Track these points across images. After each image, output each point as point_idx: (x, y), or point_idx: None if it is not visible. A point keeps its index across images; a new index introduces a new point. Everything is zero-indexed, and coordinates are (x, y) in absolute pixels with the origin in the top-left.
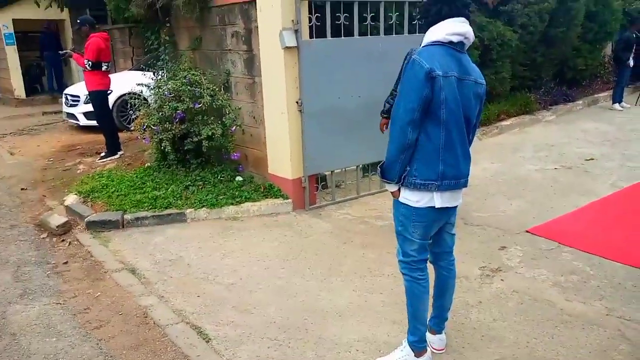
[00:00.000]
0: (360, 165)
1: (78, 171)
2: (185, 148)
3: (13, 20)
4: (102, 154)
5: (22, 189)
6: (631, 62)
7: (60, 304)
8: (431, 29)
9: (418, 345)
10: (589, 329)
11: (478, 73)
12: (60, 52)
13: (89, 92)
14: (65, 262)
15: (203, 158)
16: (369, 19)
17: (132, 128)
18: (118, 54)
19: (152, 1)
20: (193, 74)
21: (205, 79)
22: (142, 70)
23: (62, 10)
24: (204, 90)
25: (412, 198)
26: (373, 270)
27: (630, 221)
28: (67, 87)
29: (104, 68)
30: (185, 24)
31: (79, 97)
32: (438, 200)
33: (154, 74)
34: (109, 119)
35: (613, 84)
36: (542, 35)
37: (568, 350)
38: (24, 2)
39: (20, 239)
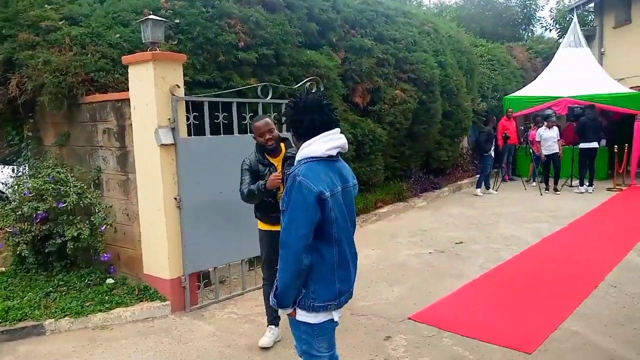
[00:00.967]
0: (246, 259)
1: None
2: (47, 250)
3: None
4: None
5: None
6: (492, 153)
7: None
8: (309, 142)
9: None
10: None
11: (351, 173)
12: None
13: None
14: None
15: (68, 260)
16: (247, 117)
17: None
18: None
19: (13, 95)
20: (58, 172)
21: (72, 177)
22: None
23: None
24: (69, 188)
25: (310, 317)
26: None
27: (499, 303)
28: None
29: None
30: (52, 119)
31: None
32: (336, 314)
33: (13, 171)
34: None
35: (472, 172)
36: (407, 131)
37: None
38: None
39: None
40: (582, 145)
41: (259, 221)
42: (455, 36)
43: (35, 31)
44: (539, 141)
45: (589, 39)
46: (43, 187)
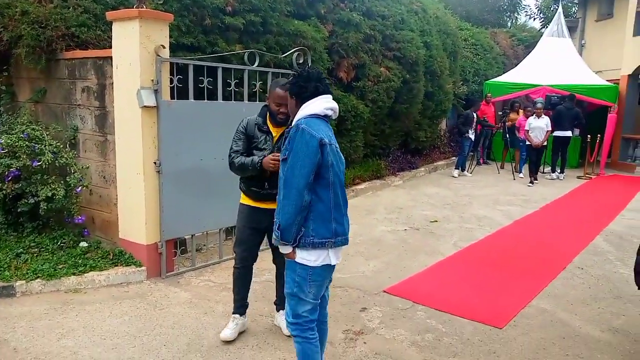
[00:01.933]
0: (223, 228)
1: None
2: (19, 210)
3: None
4: None
5: None
6: (471, 135)
7: None
8: (308, 103)
9: None
10: None
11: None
12: None
13: None
14: None
15: (40, 221)
16: (232, 84)
17: None
18: None
19: None
20: (33, 129)
21: (47, 135)
22: None
23: None
24: (45, 146)
25: (310, 258)
26: (236, 342)
27: (471, 279)
28: None
29: None
30: (27, 74)
31: None
32: (333, 257)
33: None
34: None
35: (449, 154)
36: (389, 110)
37: None
38: None
39: None
40: (557, 133)
41: (242, 194)
42: (442, 17)
43: None
44: (527, 130)
45: (571, 30)
46: (17, 144)
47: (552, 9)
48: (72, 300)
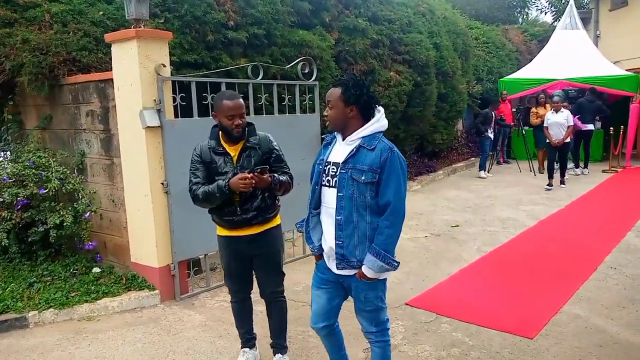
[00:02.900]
0: None
1: None
2: (30, 239)
3: None
4: None
5: None
6: (490, 134)
7: None
8: (377, 118)
9: None
10: None
11: None
12: None
13: None
14: None
15: (52, 249)
16: None
17: None
18: None
19: None
20: (39, 156)
21: (54, 161)
22: None
23: None
24: (51, 173)
25: (387, 273)
26: None
27: (498, 286)
28: None
29: None
30: (33, 101)
31: None
32: None
33: None
34: None
35: (467, 155)
36: (402, 114)
37: None
38: None
39: None
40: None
41: (217, 226)
42: (451, 18)
43: (13, 7)
44: (546, 127)
45: (585, 21)
46: (23, 172)
47: (563, 1)
48: (85, 328)
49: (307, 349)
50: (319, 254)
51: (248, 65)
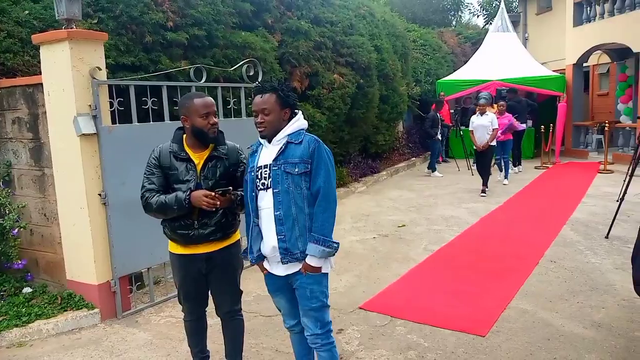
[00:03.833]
0: None
1: None
2: None
3: None
4: None
5: None
6: (439, 136)
7: None
8: (298, 117)
9: None
10: None
11: None
12: None
13: None
14: None
15: None
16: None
17: None
18: None
19: None
20: None
21: None
22: None
23: None
24: None
25: (330, 264)
26: None
27: (447, 285)
28: None
29: None
30: None
31: None
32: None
33: None
34: None
35: (408, 156)
36: (346, 116)
37: None
38: None
39: None
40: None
41: (169, 242)
42: (390, 20)
43: None
44: (472, 130)
45: (514, 24)
46: None
47: (494, 5)
48: (15, 356)
49: None
50: (257, 262)
51: (190, 68)
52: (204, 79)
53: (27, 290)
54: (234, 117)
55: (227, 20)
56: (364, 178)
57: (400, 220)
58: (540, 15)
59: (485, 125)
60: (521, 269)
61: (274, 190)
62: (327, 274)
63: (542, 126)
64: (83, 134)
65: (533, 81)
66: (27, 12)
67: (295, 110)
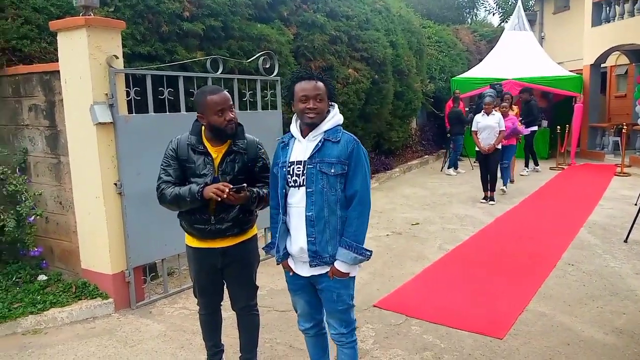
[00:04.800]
0: None
1: None
2: None
3: None
4: None
5: None
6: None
7: None
8: (335, 112)
9: None
10: None
11: None
12: None
13: None
14: None
15: None
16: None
17: None
18: None
19: None
20: None
21: None
22: None
23: None
24: None
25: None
26: None
27: (463, 285)
28: None
29: None
30: None
31: None
32: None
33: None
34: None
35: (421, 153)
36: (360, 112)
37: None
38: None
39: None
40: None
41: (186, 234)
42: (406, 16)
43: None
44: (475, 131)
45: (530, 23)
46: None
47: (510, 3)
48: (31, 343)
49: (276, 358)
50: (283, 261)
51: (207, 59)
52: (220, 70)
53: (42, 277)
54: (250, 109)
55: (243, 12)
56: (376, 174)
57: (414, 218)
58: (557, 15)
59: (492, 126)
60: (538, 271)
61: (308, 190)
62: (354, 277)
63: (558, 127)
64: (99, 123)
65: (549, 81)
66: None
67: (331, 104)
